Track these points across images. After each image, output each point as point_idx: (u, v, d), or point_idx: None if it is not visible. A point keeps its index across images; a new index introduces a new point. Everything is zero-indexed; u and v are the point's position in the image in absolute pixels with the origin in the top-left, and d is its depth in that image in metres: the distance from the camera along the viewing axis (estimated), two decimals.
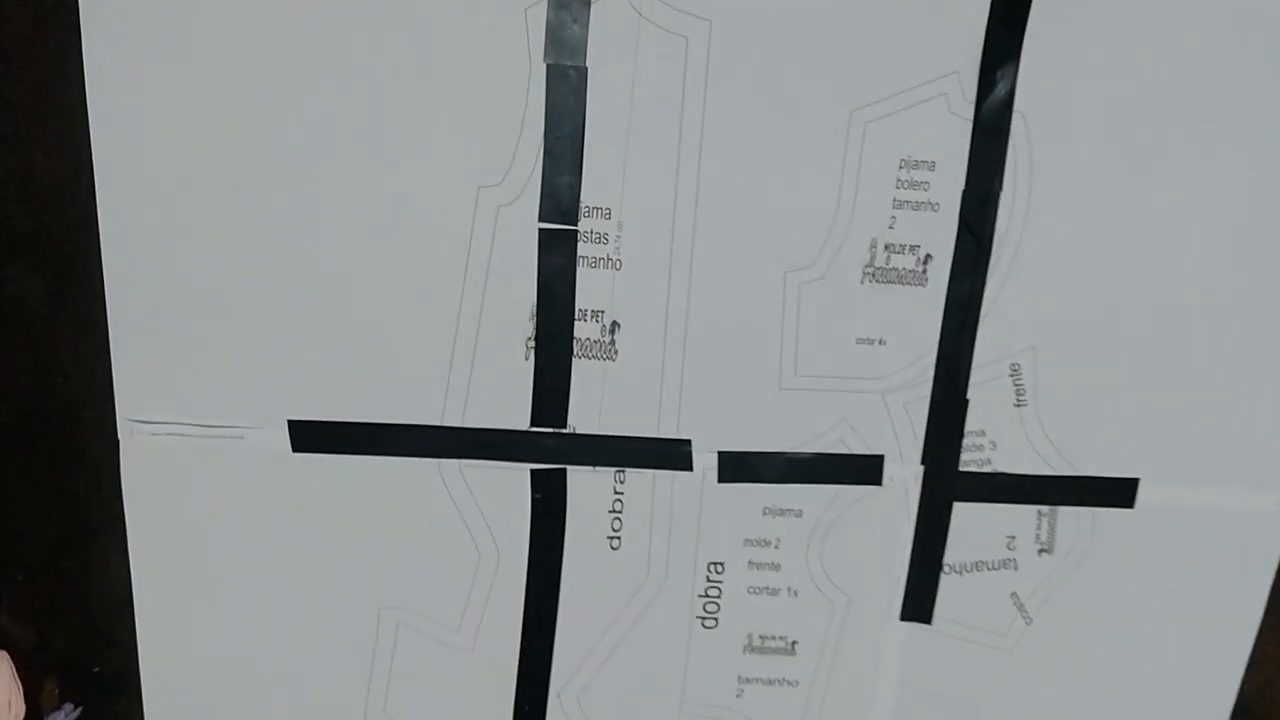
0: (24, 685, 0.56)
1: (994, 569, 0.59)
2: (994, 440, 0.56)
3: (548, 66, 0.48)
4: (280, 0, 0.47)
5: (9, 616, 0.55)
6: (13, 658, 0.55)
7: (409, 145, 0.49)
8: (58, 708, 0.57)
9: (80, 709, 0.57)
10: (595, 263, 0.52)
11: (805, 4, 0.48)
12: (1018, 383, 0.55)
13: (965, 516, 0.58)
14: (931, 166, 0.51)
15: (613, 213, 0.51)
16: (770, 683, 0.60)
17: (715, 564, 0.57)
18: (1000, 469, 0.57)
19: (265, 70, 0.48)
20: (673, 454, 0.55)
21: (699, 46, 0.49)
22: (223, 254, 0.50)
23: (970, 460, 0.57)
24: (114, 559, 0.55)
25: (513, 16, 0.48)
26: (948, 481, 0.56)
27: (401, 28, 0.47)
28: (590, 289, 0.52)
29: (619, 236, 0.51)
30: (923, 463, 0.56)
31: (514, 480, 0.55)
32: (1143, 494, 0.58)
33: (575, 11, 0.47)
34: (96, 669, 0.57)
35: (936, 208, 0.52)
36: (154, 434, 0.52)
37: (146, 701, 0.57)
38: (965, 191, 0.52)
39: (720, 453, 0.55)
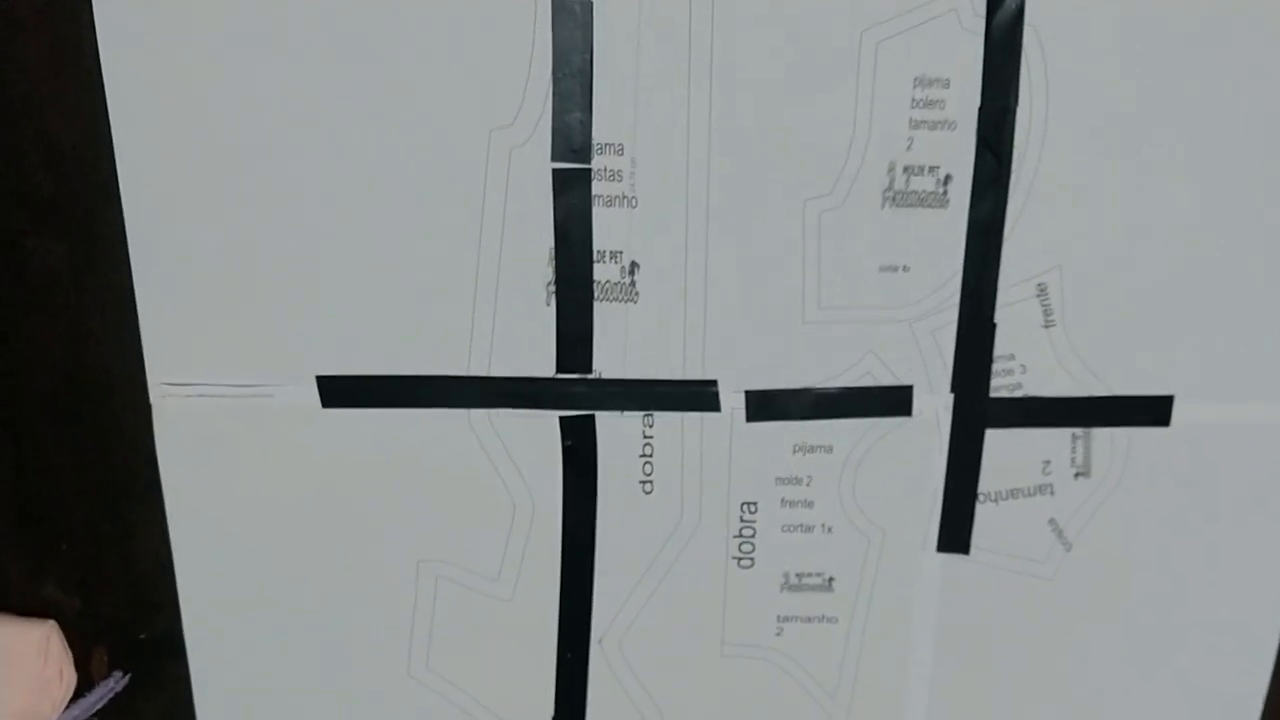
0: (73, 654, 0.57)
1: (1030, 495, 0.58)
2: (1024, 364, 0.56)
3: (553, 1, 0.48)
4: None
5: (55, 586, 0.56)
6: (61, 627, 0.56)
7: (417, 91, 0.49)
8: (107, 675, 0.58)
9: (129, 675, 0.58)
10: (610, 201, 0.51)
11: None
12: (1045, 304, 0.54)
13: (998, 443, 0.57)
14: (946, 84, 0.50)
15: (625, 149, 0.51)
16: (809, 620, 0.59)
17: (748, 504, 0.57)
18: (1032, 393, 0.56)
19: (272, 29, 0.48)
20: (700, 395, 0.55)
21: None
22: (241, 213, 0.51)
23: (1001, 386, 0.56)
24: (153, 524, 0.55)
25: None
26: (979, 409, 0.56)
27: None
28: (607, 229, 0.52)
29: (633, 173, 0.51)
30: (952, 391, 0.56)
31: (543, 428, 0.55)
32: (1178, 412, 0.57)
33: None
34: (143, 635, 0.57)
35: (953, 126, 0.51)
36: (185, 396, 0.53)
37: (192, 665, 0.57)
38: (981, 108, 0.51)
39: (747, 392, 0.55)
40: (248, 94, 0.49)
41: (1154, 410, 0.57)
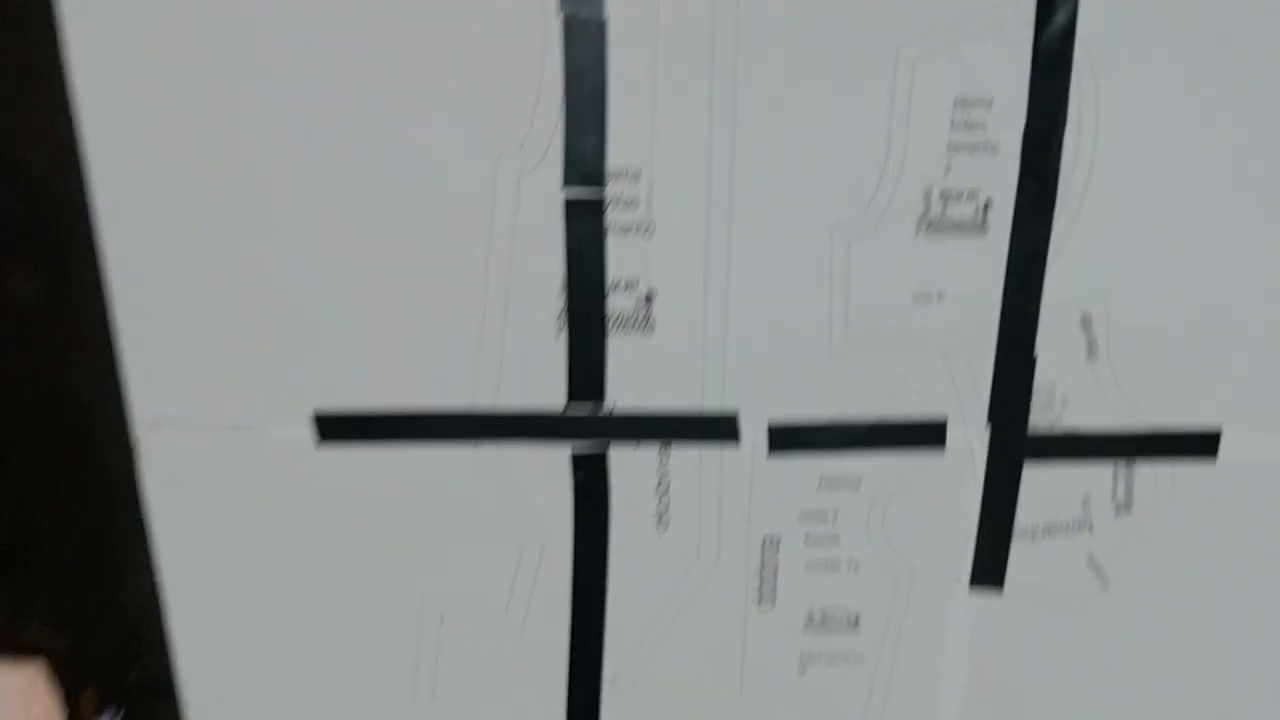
0: (62, 694, 0.54)
1: (1068, 531, 0.55)
2: (1065, 396, 0.53)
3: (564, 20, 0.45)
4: None
5: (41, 626, 0.53)
6: (49, 667, 0.53)
7: (421, 115, 0.46)
8: (98, 714, 0.55)
9: (122, 712, 0.55)
10: (625, 229, 0.48)
11: None
12: (1089, 334, 0.51)
13: (1036, 478, 0.54)
14: (989, 104, 0.47)
15: (642, 174, 0.47)
16: (834, 659, 0.57)
17: (770, 540, 0.54)
18: (1072, 426, 0.53)
19: (262, 43, 0.44)
20: (719, 427, 0.52)
21: None
22: (230, 241, 0.47)
23: (1040, 418, 0.53)
24: (142, 563, 0.52)
25: None
26: (1016, 442, 0.53)
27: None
28: (622, 258, 0.49)
29: (649, 200, 0.48)
30: (989, 424, 0.53)
31: (553, 462, 0.52)
32: (1226, 446, 0.54)
33: None
34: (133, 675, 0.55)
35: (995, 149, 0.48)
36: (172, 433, 0.50)
37: (186, 706, 0.55)
38: (1026, 130, 0.48)
39: (770, 424, 0.52)
40: (236, 115, 0.45)
41: (1201, 444, 0.54)
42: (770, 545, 0.54)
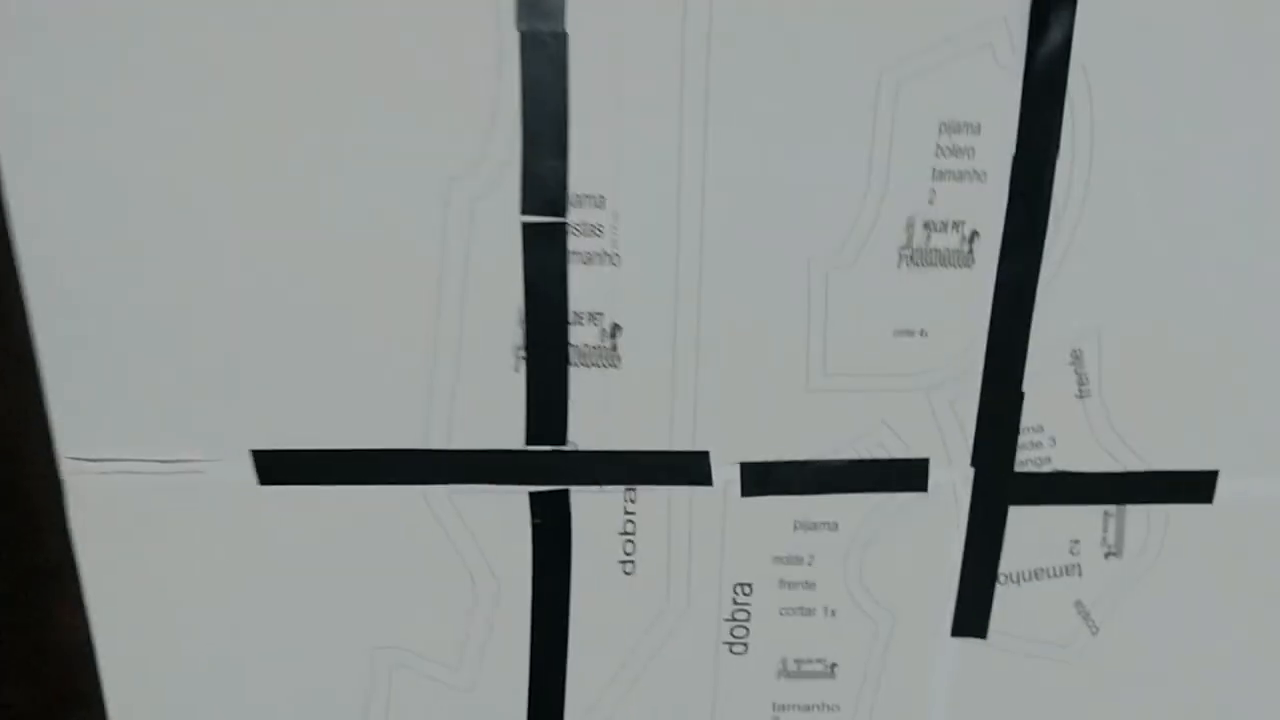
0: None
1: (1055, 576, 0.53)
2: (1053, 436, 0.50)
3: (521, 34, 0.42)
4: None
5: None
6: None
7: (367, 135, 0.43)
8: None
9: None
10: (589, 258, 0.45)
11: None
12: (1079, 372, 0.49)
13: (1022, 520, 0.52)
14: (976, 130, 0.44)
15: (607, 200, 0.45)
16: (809, 708, 0.54)
17: (742, 585, 0.51)
18: (1061, 467, 0.51)
19: (194, 61, 0.41)
20: (689, 467, 0.49)
21: (699, 3, 0.42)
22: (162, 268, 0.44)
23: (1027, 459, 0.51)
24: (71, 608, 0.49)
25: None
26: (1002, 484, 0.51)
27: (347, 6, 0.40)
28: (585, 289, 0.46)
29: (615, 227, 0.45)
30: (973, 465, 0.50)
31: (511, 504, 0.49)
32: (1222, 488, 0.51)
33: None
34: None
35: (983, 177, 0.45)
36: (102, 473, 0.47)
37: None
38: (1016, 157, 0.45)
39: (743, 464, 0.49)
40: (169, 138, 0.42)
41: (1196, 486, 0.51)
42: (742, 591, 0.51)
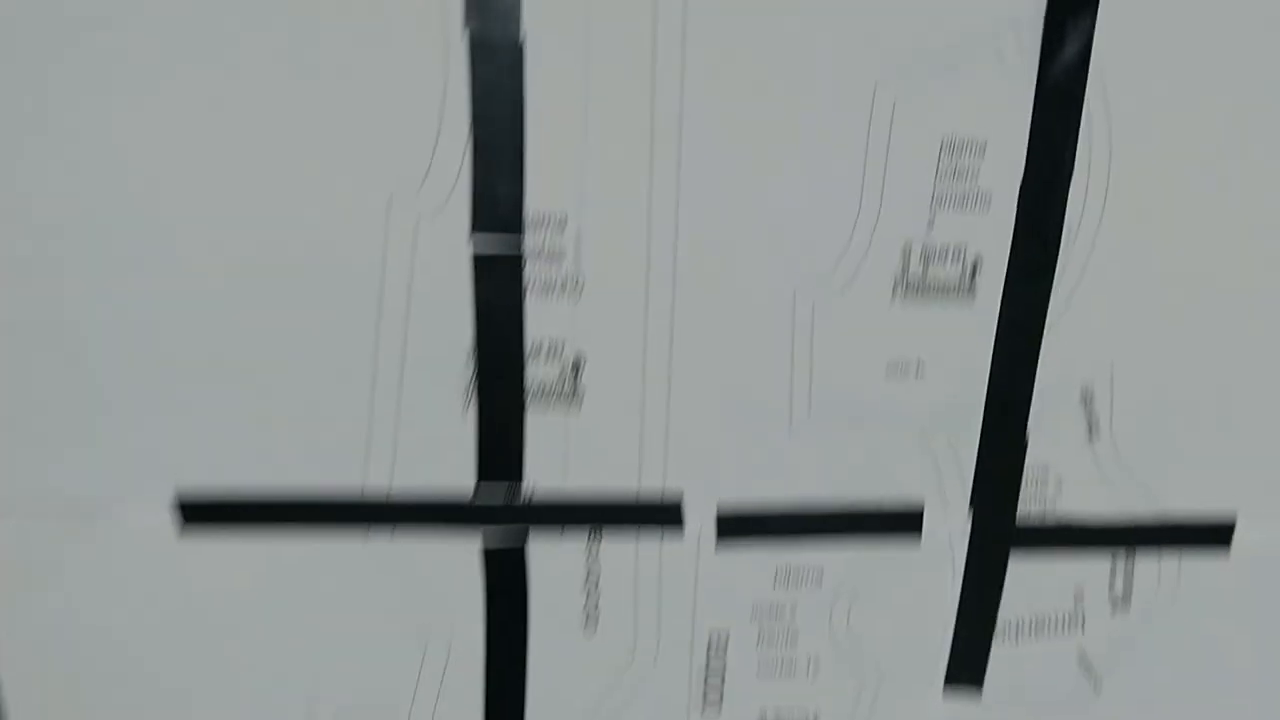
0: None
1: (1057, 628, 0.49)
2: (1060, 480, 0.46)
3: (470, 35, 0.37)
4: None
5: None
6: None
7: (299, 150, 0.38)
8: None
9: None
10: (548, 286, 0.41)
11: None
12: (1089, 411, 0.45)
13: (1023, 569, 0.48)
14: (981, 149, 0.40)
15: (568, 221, 0.40)
16: None
17: (717, 638, 0.47)
18: (1067, 513, 0.47)
19: (97, 63, 0.36)
20: (660, 513, 0.45)
21: (672, 4, 0.38)
22: (69, 287, 0.39)
23: (1030, 505, 0.47)
24: None
25: None
26: (1002, 531, 0.47)
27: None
28: (544, 319, 0.42)
29: (577, 251, 0.41)
30: (971, 511, 0.46)
31: (462, 553, 0.45)
32: (1240, 536, 0.48)
33: None
34: None
35: (988, 201, 0.41)
36: (8, 517, 0.42)
37: None
38: (1025, 179, 0.41)
39: (719, 509, 0.45)
40: (82, 151, 0.37)
41: (1212, 534, 0.48)
42: (717, 644, 0.47)
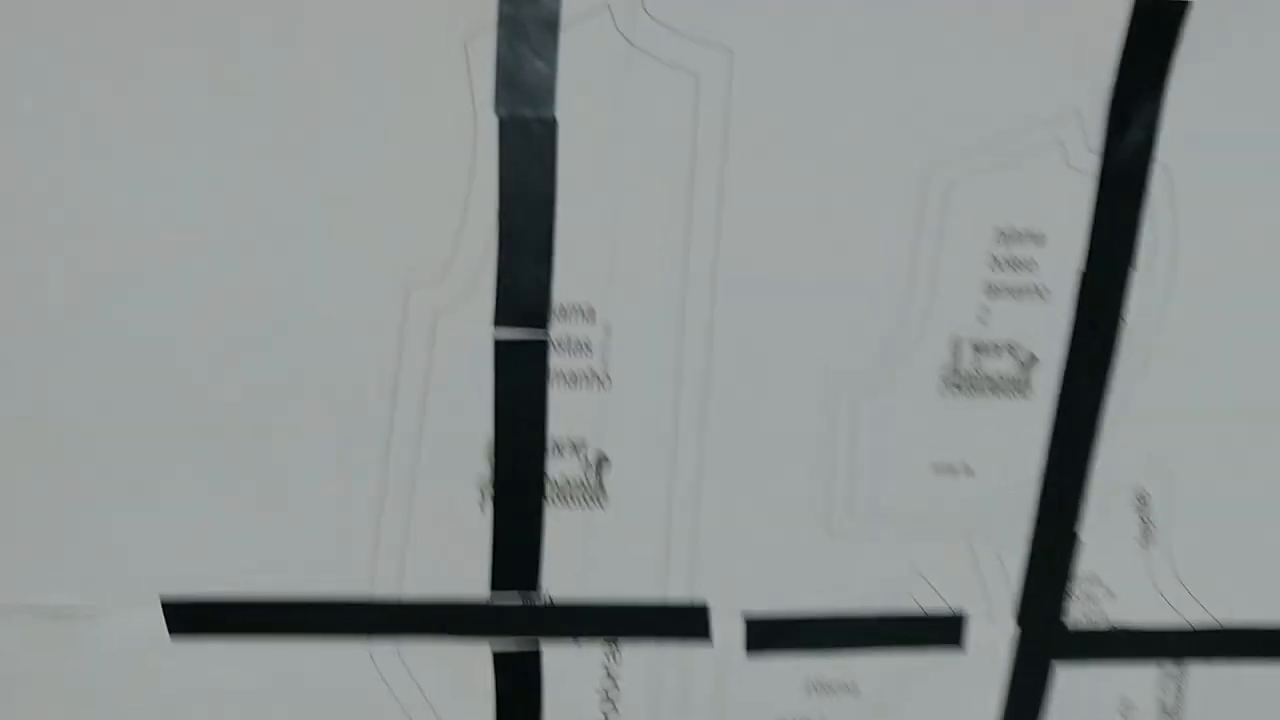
0: None
1: None
2: (1111, 587, 0.44)
3: (500, 120, 0.35)
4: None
5: None
6: None
7: (307, 234, 0.36)
8: None
9: None
10: (573, 379, 0.39)
11: (862, 24, 0.34)
12: (1144, 515, 0.43)
13: (1069, 679, 0.46)
14: (1039, 240, 0.39)
15: (596, 312, 0.38)
16: None
17: None
18: (1118, 622, 0.44)
19: (115, 162, 0.34)
20: (685, 621, 0.42)
21: (715, 86, 0.36)
22: (60, 372, 0.37)
23: (1078, 612, 0.45)
24: None
25: (447, 51, 0.34)
26: (1049, 639, 0.44)
27: (289, 74, 0.34)
28: (567, 414, 0.39)
29: (605, 343, 0.38)
30: (1018, 620, 0.44)
31: (472, 662, 0.42)
32: None
33: (537, 42, 0.34)
34: None
35: (1045, 294, 0.39)
36: None
37: None
38: (1084, 272, 0.39)
39: (748, 617, 0.43)
40: (89, 231, 0.35)
41: (1271, 644, 0.46)
42: None
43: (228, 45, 0.33)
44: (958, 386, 0.40)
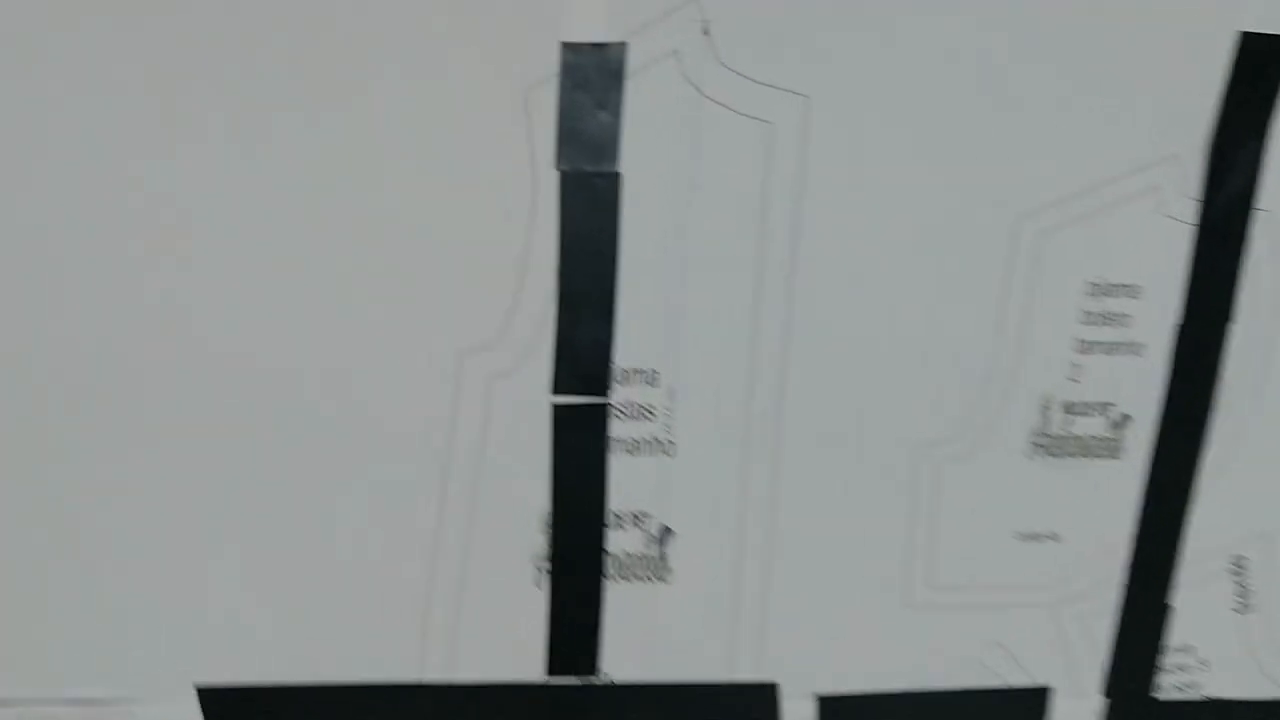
0: None
1: None
2: (1205, 658, 0.43)
3: (561, 174, 0.33)
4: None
5: None
6: None
7: (356, 295, 0.34)
8: None
9: None
10: (635, 446, 0.37)
11: (945, 66, 0.32)
12: (1241, 582, 0.42)
13: None
14: (1134, 292, 0.37)
15: (660, 376, 0.36)
16: None
17: None
18: (1212, 694, 0.42)
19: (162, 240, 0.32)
20: (753, 702, 0.40)
21: (789, 135, 0.34)
22: (98, 462, 0.35)
23: (1170, 685, 0.43)
24: None
25: (506, 102, 0.32)
26: (1139, 715, 0.43)
27: (336, 124, 0.32)
28: (629, 484, 0.37)
29: (669, 409, 0.37)
30: (1105, 694, 0.42)
31: None
32: None
33: (601, 91, 0.32)
34: None
35: (1139, 350, 0.38)
36: (18, 717, 0.37)
37: None
38: (1182, 326, 0.38)
39: (821, 696, 0.41)
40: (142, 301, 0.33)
41: None
42: None
43: (283, 103, 0.32)
44: (1046, 449, 0.39)
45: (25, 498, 0.35)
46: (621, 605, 0.39)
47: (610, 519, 0.38)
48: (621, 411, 0.37)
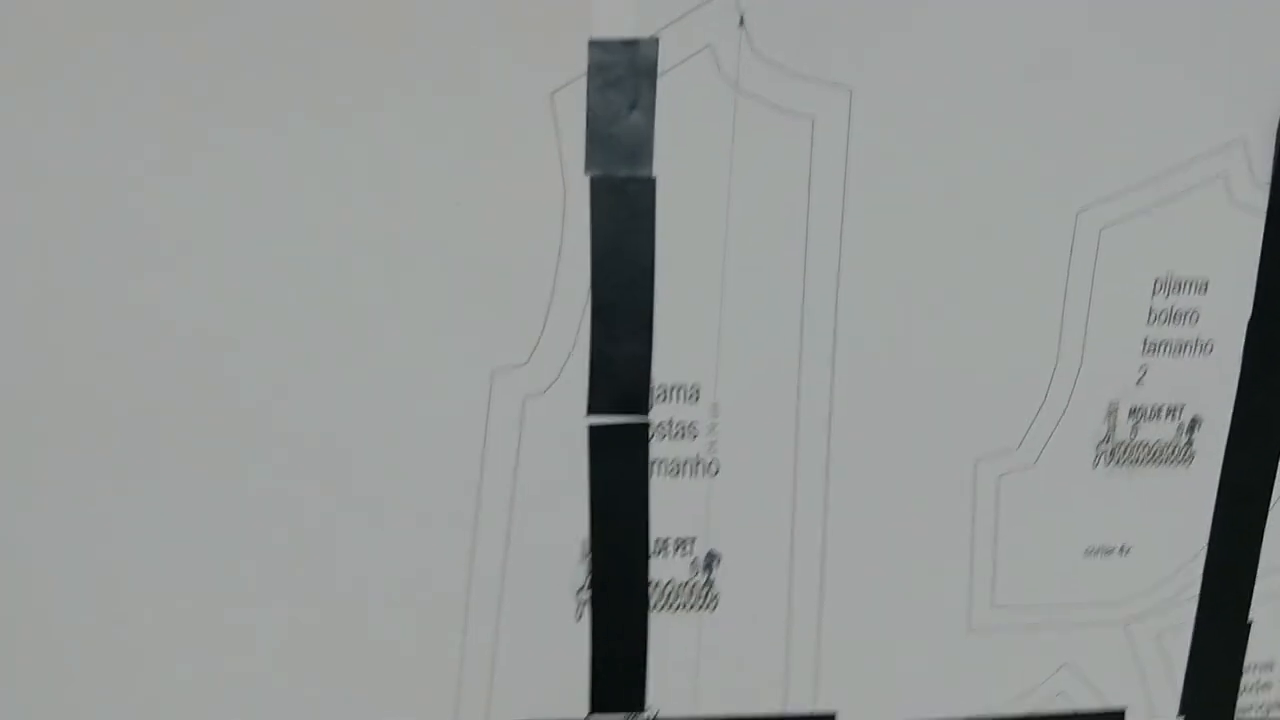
0: None
1: None
2: None
3: (591, 180, 0.31)
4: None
5: None
6: None
7: (380, 313, 0.32)
8: None
9: None
10: (677, 468, 0.35)
11: (997, 52, 0.31)
12: None
13: None
14: (1203, 287, 0.35)
15: (702, 392, 0.34)
16: None
17: None
18: None
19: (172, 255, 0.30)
20: None
21: (833, 129, 0.32)
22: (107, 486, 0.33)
23: (1251, 705, 0.41)
24: None
25: (531, 105, 0.31)
26: None
27: (353, 137, 0.30)
28: (672, 508, 0.35)
29: (714, 426, 0.35)
30: (1183, 715, 0.40)
31: None
32: None
33: (632, 90, 0.31)
34: None
35: (1209, 349, 0.36)
36: None
37: None
38: (1253, 321, 0.36)
39: None
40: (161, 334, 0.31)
41: None
42: None
43: (303, 117, 0.30)
44: (1112, 457, 0.37)
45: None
46: (667, 636, 0.37)
47: (653, 546, 0.36)
48: (662, 431, 0.35)
